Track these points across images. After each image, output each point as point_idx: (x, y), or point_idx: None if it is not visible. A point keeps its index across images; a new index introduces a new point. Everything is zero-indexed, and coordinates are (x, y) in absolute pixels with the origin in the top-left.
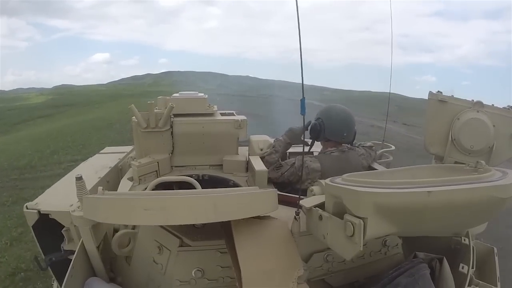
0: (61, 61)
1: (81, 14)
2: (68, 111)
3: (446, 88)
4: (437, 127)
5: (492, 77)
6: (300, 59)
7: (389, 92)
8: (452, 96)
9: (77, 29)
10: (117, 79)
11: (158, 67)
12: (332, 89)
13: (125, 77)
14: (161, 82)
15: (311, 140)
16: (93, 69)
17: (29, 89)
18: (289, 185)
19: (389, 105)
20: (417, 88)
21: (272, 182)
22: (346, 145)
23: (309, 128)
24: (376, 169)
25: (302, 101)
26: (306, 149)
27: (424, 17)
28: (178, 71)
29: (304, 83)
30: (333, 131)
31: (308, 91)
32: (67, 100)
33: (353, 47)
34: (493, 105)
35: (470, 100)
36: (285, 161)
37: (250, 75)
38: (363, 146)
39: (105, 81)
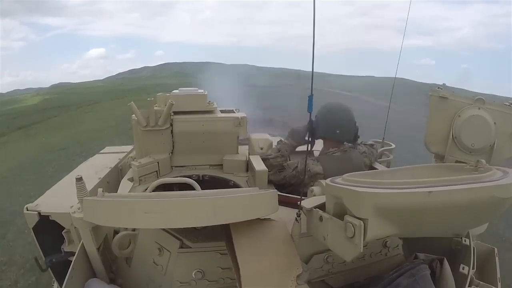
0: (57, 59)
1: (74, 10)
2: (51, 122)
3: (460, 74)
4: (438, 125)
5: (491, 59)
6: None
7: (395, 77)
8: (453, 92)
9: (71, 26)
10: (114, 74)
11: (155, 60)
12: (334, 75)
13: (123, 71)
14: (159, 74)
15: (309, 139)
16: (90, 65)
17: (27, 90)
18: (289, 186)
19: (415, 93)
20: (417, 72)
21: (273, 183)
22: (348, 144)
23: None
24: (376, 169)
25: (310, 98)
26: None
27: (422, 1)
28: (175, 62)
29: (303, 69)
30: (325, 127)
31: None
32: (61, 101)
33: (351, 33)
34: (494, 101)
35: (473, 93)
36: (288, 162)
37: (248, 63)
38: (365, 144)
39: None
